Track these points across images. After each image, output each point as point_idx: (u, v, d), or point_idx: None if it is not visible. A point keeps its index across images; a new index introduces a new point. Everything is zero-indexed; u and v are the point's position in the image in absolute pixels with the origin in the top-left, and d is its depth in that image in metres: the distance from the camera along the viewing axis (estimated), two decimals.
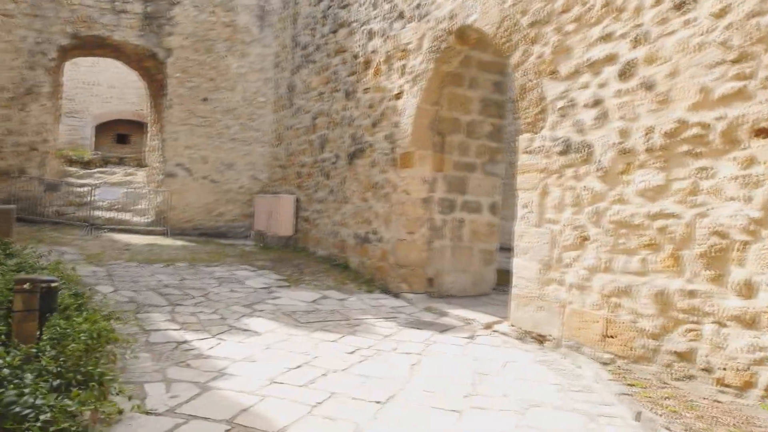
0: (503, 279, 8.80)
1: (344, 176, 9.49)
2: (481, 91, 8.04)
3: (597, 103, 4.85)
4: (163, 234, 12.21)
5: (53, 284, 3.63)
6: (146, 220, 12.62)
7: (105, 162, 17.37)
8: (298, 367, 4.41)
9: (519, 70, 5.69)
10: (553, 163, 5.23)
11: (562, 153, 5.14)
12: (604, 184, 4.73)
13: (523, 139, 5.61)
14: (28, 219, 11.57)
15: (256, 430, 3.22)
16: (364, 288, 7.98)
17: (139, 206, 13.11)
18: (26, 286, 3.55)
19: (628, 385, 4.22)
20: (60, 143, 24.01)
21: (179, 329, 5.20)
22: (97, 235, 11.27)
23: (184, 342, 4.84)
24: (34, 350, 3.25)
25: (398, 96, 7.99)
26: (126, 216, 12.64)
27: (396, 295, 7.62)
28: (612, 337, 4.59)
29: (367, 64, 8.89)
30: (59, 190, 12.06)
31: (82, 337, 3.55)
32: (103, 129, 25.89)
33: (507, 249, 14.10)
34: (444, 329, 5.93)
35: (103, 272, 7.24)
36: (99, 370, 3.36)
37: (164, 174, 12.55)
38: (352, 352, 4.89)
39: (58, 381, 3.00)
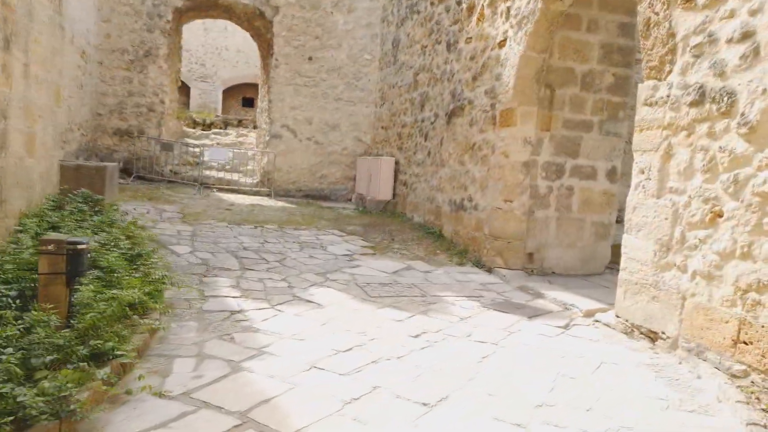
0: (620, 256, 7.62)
1: (442, 137, 8.71)
2: (603, 35, 6.79)
3: (746, 36, 3.64)
4: (268, 195, 12.28)
5: (80, 245, 3.37)
6: (253, 181, 12.77)
7: (225, 124, 18.00)
8: (349, 350, 3.87)
9: (643, 1, 4.52)
10: (682, 117, 4.10)
11: (695, 104, 3.98)
12: (748, 144, 3.56)
13: (644, 88, 4.49)
14: (147, 177, 12.18)
15: (268, 429, 2.73)
16: (455, 260, 7.26)
17: (248, 167, 13.31)
18: (51, 247, 3.33)
19: (765, 410, 3.17)
20: (193, 106, 25.57)
21: (239, 297, 4.89)
22: (206, 195, 11.56)
23: (239, 311, 4.51)
24: (45, 318, 3.00)
25: (501, 44, 6.99)
26: (235, 176, 12.89)
27: (489, 270, 6.82)
28: (747, 343, 3.50)
29: (471, 9, 7.92)
30: (174, 150, 12.53)
31: (102, 306, 3.26)
32: (231, 92, 27.07)
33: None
34: (534, 314, 5.07)
35: (189, 232, 7.22)
36: (110, 344, 3.05)
37: (270, 135, 12.56)
38: (416, 336, 4.26)
39: (52, 356, 2.70)
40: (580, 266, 7.07)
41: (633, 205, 4.55)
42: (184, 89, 25.57)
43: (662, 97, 4.29)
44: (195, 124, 17.21)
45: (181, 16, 12.92)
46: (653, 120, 4.37)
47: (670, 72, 4.24)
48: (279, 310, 4.63)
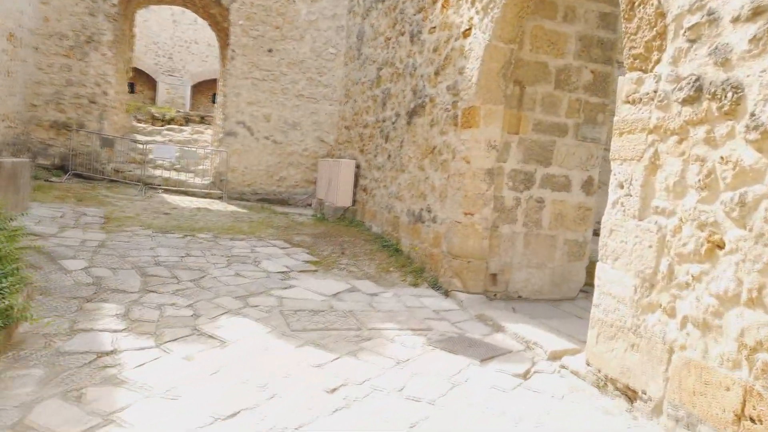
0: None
1: (402, 138, 7.79)
2: (581, 26, 5.93)
3: (757, 13, 2.77)
4: (220, 198, 11.27)
5: None
6: (205, 182, 11.74)
7: (187, 120, 16.92)
8: (234, 415, 2.92)
9: None
10: (672, 118, 3.22)
11: (689, 101, 3.11)
12: (760, 155, 2.69)
13: (625, 82, 3.61)
14: (85, 176, 11.09)
15: None
16: (409, 279, 6.34)
17: (201, 167, 12.28)
18: None
19: None
20: (160, 101, 24.36)
21: (121, 331, 3.90)
22: (149, 196, 10.52)
23: (111, 352, 3.53)
24: None
25: (466, 33, 6.09)
26: (185, 177, 11.84)
27: (446, 294, 5.91)
28: (755, 421, 2.62)
29: None
30: (116, 147, 11.46)
31: None
32: (201, 88, 25.91)
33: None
34: (489, 356, 4.17)
35: (97, 242, 6.19)
36: None
37: (224, 132, 11.54)
38: (333, 390, 3.32)
39: None
40: (550, 290, 6.19)
41: (609, 227, 3.67)
42: (151, 83, 24.42)
43: (648, 93, 3.41)
44: (153, 119, 16.11)
45: (131, 1, 11.86)
46: (636, 121, 3.49)
47: (658, 61, 3.37)
48: (165, 351, 3.66)
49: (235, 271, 5.83)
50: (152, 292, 4.83)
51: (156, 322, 4.14)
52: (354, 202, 9.90)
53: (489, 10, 5.62)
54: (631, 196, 3.49)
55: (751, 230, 2.70)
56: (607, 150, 6.68)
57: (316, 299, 5.23)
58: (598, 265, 3.76)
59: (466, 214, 5.80)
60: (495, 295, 5.99)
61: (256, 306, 4.79)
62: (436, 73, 6.78)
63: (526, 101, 5.90)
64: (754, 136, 2.72)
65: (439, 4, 6.89)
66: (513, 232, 6.00)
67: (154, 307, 4.46)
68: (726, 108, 2.88)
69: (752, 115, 2.73)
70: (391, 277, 6.41)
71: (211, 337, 3.99)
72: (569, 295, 6.28)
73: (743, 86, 2.80)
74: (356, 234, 8.56)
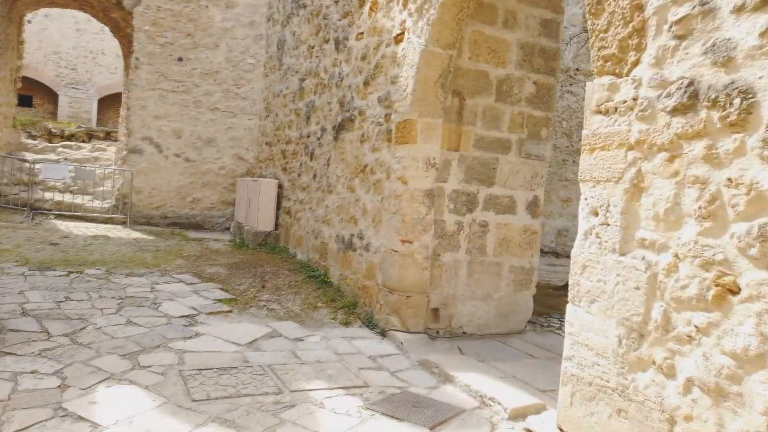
0: (543, 301, 6.24)
1: (329, 156, 7.01)
2: (522, 33, 5.41)
3: None
4: (123, 223, 10.00)
5: None
6: (105, 206, 10.42)
7: (90, 136, 15.35)
8: None
9: None
10: (659, 131, 2.64)
11: (682, 110, 2.53)
12: None
13: (595, 89, 3.02)
14: None
15: None
16: (339, 317, 5.53)
17: (101, 188, 10.93)
18: None
19: None
20: (62, 116, 22.29)
21: None
22: (38, 223, 9.13)
23: None
24: None
25: (399, 39, 5.43)
26: (82, 200, 10.46)
27: (382, 333, 5.14)
28: None
29: None
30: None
31: None
32: (110, 102, 23.99)
33: (546, 253, 11.39)
34: (440, 419, 3.42)
35: None
36: None
37: (128, 150, 10.31)
38: None
39: None
40: (496, 323, 5.57)
41: (582, 263, 3.04)
42: (52, 96, 22.34)
43: (625, 101, 2.83)
44: (51, 135, 14.45)
45: (16, 2, 10.45)
46: (612, 135, 2.90)
47: (636, 63, 2.79)
48: None
49: (127, 317, 4.80)
50: (9, 354, 3.75)
51: (4, 402, 3.11)
52: (277, 226, 8.98)
53: (424, 12, 4.98)
54: (608, 225, 2.87)
55: None
56: (552, 168, 6.22)
57: (228, 351, 4.32)
58: (569, 308, 3.12)
59: (403, 241, 5.08)
60: (437, 332, 5.29)
61: (149, 366, 3.82)
62: (366, 84, 6.07)
63: (466, 114, 5.29)
64: None
65: (366, 8, 6.21)
66: (455, 260, 5.34)
67: (6, 378, 3.40)
68: (732, 118, 2.31)
69: None
70: (318, 315, 5.57)
71: (80, 419, 3.01)
72: (517, 328, 5.69)
73: (755, 91, 2.24)
74: (279, 263, 7.65)
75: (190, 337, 4.51)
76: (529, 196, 5.65)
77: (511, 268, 5.61)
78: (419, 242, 5.06)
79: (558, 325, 6.11)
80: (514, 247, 5.60)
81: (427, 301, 5.18)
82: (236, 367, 3.98)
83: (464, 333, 5.42)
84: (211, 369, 3.89)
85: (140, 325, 4.63)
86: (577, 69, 12.24)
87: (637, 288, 2.68)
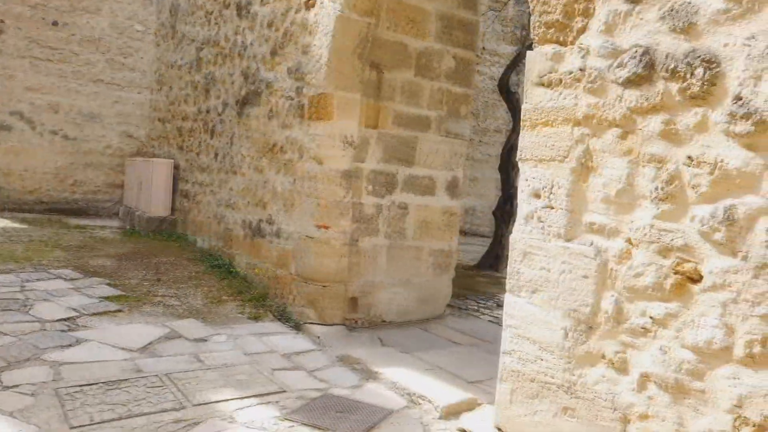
0: (457, 282, 6.06)
1: (233, 133, 6.39)
2: (441, 3, 5.11)
3: None
4: None
5: None
6: None
7: None
8: None
9: None
10: (610, 104, 2.41)
11: (636, 82, 2.31)
12: (752, 153, 1.95)
13: (536, 59, 2.74)
14: None
15: None
16: (248, 311, 5.02)
17: None
18: None
19: None
20: None
21: None
22: None
23: None
24: None
25: (310, 3, 4.92)
26: None
27: (297, 327, 4.71)
28: None
29: None
30: None
31: None
32: None
33: (462, 232, 11.41)
34: (368, 426, 3.08)
35: None
36: None
37: None
38: None
39: None
40: (417, 309, 5.31)
41: (523, 249, 2.78)
42: None
43: (572, 72, 2.57)
44: None
45: None
46: (556, 110, 2.64)
47: (583, 30, 2.54)
48: None
49: None
50: None
51: None
52: (173, 210, 8.19)
53: None
54: (553, 208, 2.63)
55: (746, 259, 1.95)
56: (471, 147, 6.03)
57: (117, 359, 3.70)
58: (509, 299, 2.87)
59: (320, 227, 4.65)
60: (356, 322, 4.95)
61: (15, 386, 3.15)
62: (274, 54, 5.51)
63: (385, 89, 4.92)
64: (743, 128, 1.97)
65: None
66: (375, 245, 5.00)
67: None
68: (694, 90, 2.11)
69: (738, 99, 1.98)
70: (224, 310, 5.03)
71: None
72: (437, 313, 5.48)
73: (719, 60, 2.05)
74: (177, 251, 6.94)
75: (70, 346, 3.83)
76: (448, 177, 5.42)
77: (431, 251, 5.37)
78: (337, 227, 4.65)
79: (476, 307, 5.98)
80: (434, 230, 5.36)
81: (345, 290, 4.81)
82: (127, 380, 3.40)
83: (384, 321, 5.12)
84: (96, 384, 3.28)
85: (5, 334, 3.87)
86: (484, 48, 12.26)
87: (586, 276, 2.46)
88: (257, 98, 5.82)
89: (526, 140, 2.78)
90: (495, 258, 8.18)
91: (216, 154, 6.85)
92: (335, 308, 4.71)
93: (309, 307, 4.70)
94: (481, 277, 7.71)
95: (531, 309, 2.72)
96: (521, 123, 2.82)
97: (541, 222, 2.68)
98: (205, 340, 4.27)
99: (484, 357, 4.30)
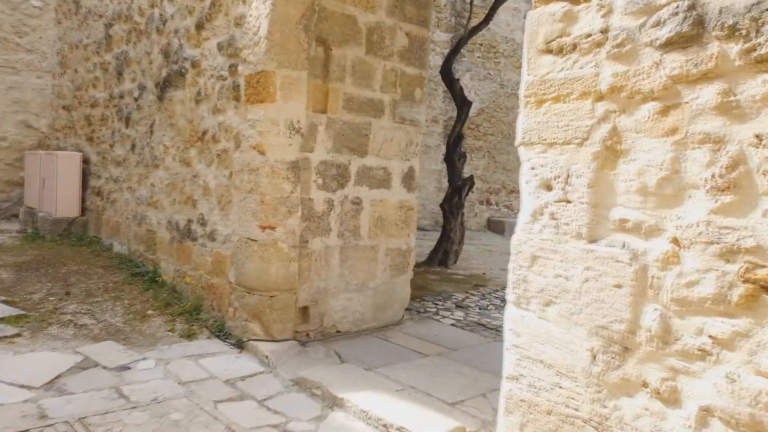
0: (412, 281, 5.57)
1: (153, 121, 5.57)
2: None
3: None
4: None
5: None
6: None
7: None
8: None
9: None
10: (646, 72, 1.94)
11: (678, 44, 1.86)
12: None
13: (541, 20, 2.25)
14: None
15: None
16: (179, 327, 4.30)
17: None
18: None
19: None
20: None
21: None
22: None
23: None
24: None
25: None
26: None
27: (240, 345, 4.05)
28: None
29: None
30: None
31: None
32: None
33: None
34: None
35: None
36: None
37: None
38: None
39: None
40: (373, 316, 4.78)
41: (531, 252, 2.30)
42: None
43: (589, 35, 2.10)
44: None
45: None
46: (570, 82, 2.16)
47: None
48: None
49: None
50: None
51: None
52: (84, 211, 7.19)
53: None
54: (569, 202, 2.16)
55: None
56: (426, 134, 5.55)
57: (14, 402, 2.93)
58: (512, 312, 2.38)
59: (264, 227, 4.00)
60: (308, 335, 4.35)
61: None
62: (199, 27, 4.76)
63: (333, 68, 4.32)
64: None
65: None
66: (327, 246, 4.40)
67: None
68: (762, 52, 1.68)
69: None
70: (151, 328, 4.28)
71: None
72: (395, 319, 4.97)
73: None
74: (90, 258, 6.02)
75: None
76: (404, 167, 4.90)
77: (387, 251, 4.84)
78: (284, 228, 4.01)
79: (434, 310, 5.53)
80: (390, 227, 4.83)
81: (295, 299, 4.19)
82: (28, 431, 2.65)
83: (338, 332, 4.54)
84: None
85: None
86: None
87: (619, 286, 2.00)
88: (181, 80, 5.04)
89: (529, 120, 2.29)
90: (444, 253, 7.78)
91: (133, 146, 5.97)
92: (284, 321, 4.08)
93: (253, 321, 4.05)
94: (432, 274, 7.28)
95: (544, 325, 2.24)
96: (522, 100, 2.32)
97: (555, 219, 2.20)
98: (129, 368, 3.54)
99: (457, 370, 3.83)
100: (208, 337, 4.19)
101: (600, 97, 2.06)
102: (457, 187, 7.84)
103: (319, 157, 4.27)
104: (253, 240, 4.03)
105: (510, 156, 14.05)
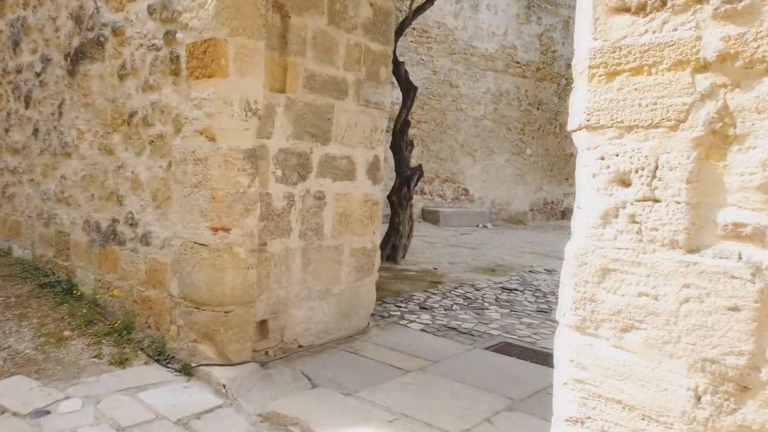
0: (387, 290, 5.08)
1: (62, 100, 4.63)
2: None
3: None
4: None
5: None
6: None
7: None
8: None
9: None
10: None
11: None
12: None
13: None
14: None
15: None
16: (108, 350, 3.51)
17: None
18: None
19: None
20: None
21: None
22: None
23: None
24: None
25: None
26: None
27: (187, 371, 3.34)
28: None
29: None
30: None
31: None
32: None
33: None
34: None
35: None
36: None
37: None
38: None
39: None
40: (337, 325, 4.21)
41: (602, 265, 1.82)
42: None
43: None
44: None
45: None
46: (660, 48, 1.69)
47: None
48: None
49: None
50: None
51: None
52: None
53: None
54: (658, 201, 1.70)
55: None
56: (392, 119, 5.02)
57: None
58: (572, 336, 1.90)
59: (216, 229, 3.30)
60: (267, 353, 3.71)
61: None
62: None
63: (293, 40, 3.66)
64: None
65: None
66: (287, 249, 3.76)
67: None
68: None
69: None
70: (70, 354, 3.46)
71: None
72: (361, 326, 4.42)
73: None
74: None
75: None
76: (369, 156, 4.34)
77: (352, 251, 4.27)
78: (241, 229, 3.33)
79: (398, 313, 5.03)
80: (355, 224, 4.26)
81: (252, 313, 3.53)
82: None
83: (300, 346, 3.94)
84: None
85: None
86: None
87: (735, 309, 1.57)
88: (99, 50, 4.16)
89: (598, 98, 1.81)
90: (393, 248, 7.30)
91: (36, 130, 4.98)
92: (242, 340, 3.41)
93: (204, 342, 3.35)
94: (384, 271, 6.74)
95: (621, 357, 1.78)
96: (584, 72, 1.84)
97: (636, 223, 1.74)
98: (48, 412, 2.77)
99: (447, 388, 3.35)
100: (146, 363, 3.44)
101: (703, 68, 1.61)
102: (406, 178, 7.37)
103: (277, 145, 3.62)
104: (202, 245, 3.32)
105: (443, 144, 13.80)
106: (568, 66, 16.37)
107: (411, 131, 12.93)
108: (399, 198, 7.36)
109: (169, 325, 3.54)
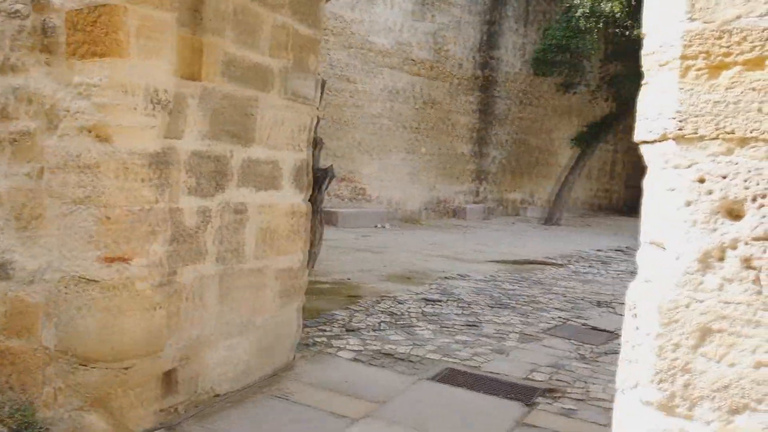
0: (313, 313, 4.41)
1: None
2: None
3: None
4: None
5: None
6: None
7: None
8: None
9: None
10: None
11: None
12: None
13: None
14: None
15: None
16: None
17: None
18: None
19: None
20: None
21: None
22: None
23: None
24: None
25: None
26: None
27: None
28: None
29: None
30: None
31: None
32: None
33: None
34: None
35: None
36: None
37: None
38: None
39: None
40: (258, 363, 3.50)
41: (700, 323, 1.36)
42: None
43: None
44: None
45: None
46: None
47: None
48: None
49: None
50: None
51: None
52: None
53: None
54: None
55: None
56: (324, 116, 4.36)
57: None
58: (653, 416, 1.42)
59: (111, 260, 2.45)
60: (176, 410, 2.91)
61: None
62: None
63: (209, 14, 2.89)
64: None
65: None
66: (201, 277, 2.99)
67: None
68: None
69: None
70: None
71: None
72: (285, 361, 3.75)
73: None
74: None
75: None
76: (296, 160, 3.68)
77: (277, 272, 3.58)
78: (146, 257, 2.52)
79: (323, 339, 4.41)
80: (281, 241, 3.58)
81: (159, 364, 2.73)
82: None
83: (217, 395, 3.18)
84: None
85: None
86: None
87: None
88: None
89: (696, 99, 1.34)
90: None
91: None
92: (146, 402, 2.60)
93: (93, 411, 2.50)
94: None
95: None
96: (672, 63, 1.38)
97: (752, 268, 1.30)
98: None
99: None
100: None
101: None
102: (316, 179, 6.68)
103: (190, 147, 2.84)
104: (91, 280, 2.46)
105: (341, 142, 13.24)
106: (460, 66, 16.50)
107: None
108: (309, 201, 6.67)
109: (41, 387, 2.63)
